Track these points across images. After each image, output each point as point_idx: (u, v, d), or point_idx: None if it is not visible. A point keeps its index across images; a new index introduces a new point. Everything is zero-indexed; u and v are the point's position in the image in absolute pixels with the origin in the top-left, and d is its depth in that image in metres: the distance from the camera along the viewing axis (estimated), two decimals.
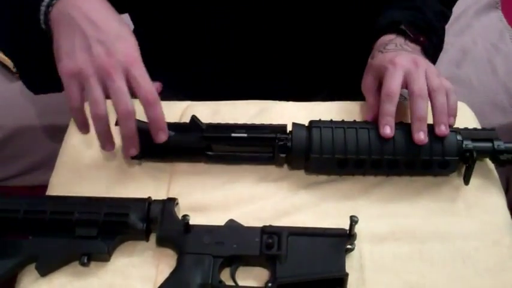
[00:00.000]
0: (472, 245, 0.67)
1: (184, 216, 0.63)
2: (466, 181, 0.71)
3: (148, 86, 0.64)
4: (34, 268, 0.64)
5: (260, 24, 0.86)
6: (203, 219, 0.67)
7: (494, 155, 0.71)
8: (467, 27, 1.40)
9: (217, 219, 0.67)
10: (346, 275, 0.61)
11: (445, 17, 0.90)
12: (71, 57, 0.62)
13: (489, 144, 0.71)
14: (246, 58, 0.90)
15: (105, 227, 0.65)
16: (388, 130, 0.69)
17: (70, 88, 0.63)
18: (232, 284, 0.62)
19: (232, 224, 0.66)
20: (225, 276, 0.63)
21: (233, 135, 0.70)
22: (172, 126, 0.71)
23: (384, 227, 0.68)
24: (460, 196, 0.71)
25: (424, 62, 0.73)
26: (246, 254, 0.63)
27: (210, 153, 0.71)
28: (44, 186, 0.74)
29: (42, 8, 0.67)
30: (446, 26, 0.91)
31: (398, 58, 0.73)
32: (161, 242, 0.65)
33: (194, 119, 0.70)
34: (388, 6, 0.86)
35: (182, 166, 0.74)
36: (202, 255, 0.63)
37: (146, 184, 0.72)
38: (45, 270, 0.64)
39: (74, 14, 0.64)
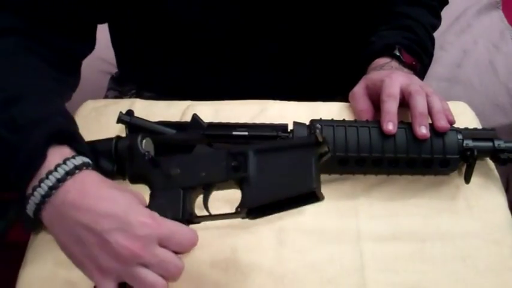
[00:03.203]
0: (472, 244, 0.67)
1: (147, 151, 0.62)
2: (467, 180, 0.71)
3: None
4: (35, 268, 0.64)
5: (262, 26, 0.87)
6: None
7: (495, 154, 0.71)
8: (468, 27, 1.40)
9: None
10: (317, 187, 0.56)
11: (435, 28, 0.93)
12: (101, 270, 0.55)
13: (489, 144, 0.72)
14: (247, 58, 0.90)
15: None
16: (391, 126, 0.69)
17: None
18: (206, 213, 0.60)
19: (199, 150, 0.63)
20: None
21: (234, 133, 0.70)
22: (173, 125, 0.71)
23: (385, 227, 0.68)
24: (461, 195, 0.72)
25: (418, 80, 0.77)
26: (214, 181, 0.60)
27: None
28: None
29: (31, 204, 0.57)
30: (447, 26, 0.92)
31: (394, 74, 0.76)
32: (132, 180, 0.64)
33: (195, 117, 0.70)
34: (381, 21, 0.89)
35: None
36: (171, 189, 0.60)
37: None
38: (33, 227, 0.62)
39: (75, 215, 0.55)
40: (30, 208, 0.57)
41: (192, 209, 0.60)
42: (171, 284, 0.57)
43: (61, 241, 0.57)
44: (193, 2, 0.82)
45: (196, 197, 0.61)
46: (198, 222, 0.60)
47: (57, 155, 0.58)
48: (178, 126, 0.72)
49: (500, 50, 1.34)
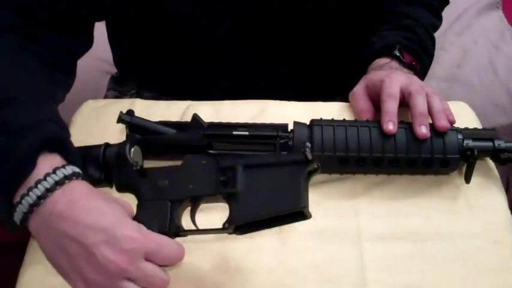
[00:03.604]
0: (473, 244, 0.67)
1: (136, 162, 0.61)
2: (467, 180, 0.71)
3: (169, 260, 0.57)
4: (34, 267, 0.64)
5: (261, 27, 0.87)
6: (205, 219, 0.66)
7: (495, 154, 0.71)
8: (468, 27, 1.40)
9: (219, 218, 0.66)
10: (305, 207, 0.56)
11: (436, 28, 0.93)
12: (86, 282, 0.54)
13: (490, 143, 0.72)
14: (247, 59, 0.90)
15: None
16: (391, 126, 0.69)
17: None
18: (193, 227, 0.60)
19: (189, 161, 0.62)
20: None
21: (234, 133, 0.70)
22: (173, 124, 0.71)
23: (385, 226, 0.68)
24: (461, 195, 0.72)
25: (418, 80, 0.77)
26: (202, 194, 0.60)
27: (211, 151, 0.71)
28: None
29: (19, 212, 0.56)
30: (447, 26, 0.92)
31: (394, 74, 0.76)
32: (120, 189, 0.63)
33: (196, 117, 0.70)
34: (381, 21, 0.89)
35: None
36: (158, 200, 0.60)
37: None
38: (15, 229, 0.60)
39: (63, 226, 0.55)
40: (17, 216, 0.56)
41: (179, 221, 0.60)
42: (170, 284, 0.57)
43: (47, 251, 0.57)
44: (192, 3, 0.82)
45: (184, 209, 0.61)
46: (185, 236, 0.60)
47: (47, 163, 0.57)
48: (178, 126, 0.71)
49: (500, 50, 1.34)
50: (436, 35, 0.92)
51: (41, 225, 0.56)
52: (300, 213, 0.56)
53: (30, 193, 0.55)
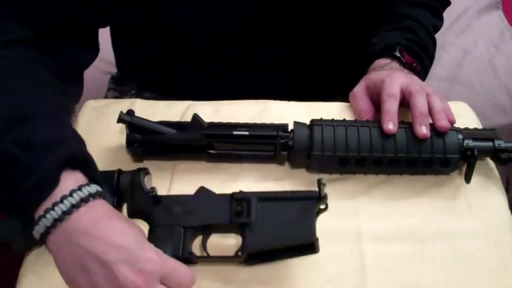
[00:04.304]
0: (473, 244, 0.67)
1: (152, 188, 0.63)
2: (468, 179, 0.71)
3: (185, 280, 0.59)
4: (35, 268, 0.64)
5: (262, 29, 0.87)
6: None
7: (495, 154, 0.72)
8: (468, 27, 1.40)
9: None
10: (316, 240, 0.60)
11: (437, 29, 0.93)
12: None
13: (490, 143, 0.72)
14: (247, 60, 0.90)
15: None
16: (391, 126, 0.69)
17: None
18: (204, 254, 0.62)
19: (202, 192, 0.64)
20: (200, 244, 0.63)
21: (235, 133, 0.70)
22: (173, 124, 0.71)
23: (385, 227, 0.68)
24: (461, 195, 0.72)
25: (418, 80, 0.78)
26: (216, 223, 0.62)
27: (211, 151, 0.72)
28: None
29: (41, 226, 0.57)
30: (447, 26, 0.92)
31: (394, 74, 0.76)
32: (132, 215, 0.64)
33: (196, 117, 0.70)
34: (381, 22, 0.89)
35: (183, 165, 0.74)
36: (172, 226, 0.62)
37: None
38: (22, 248, 0.63)
39: (86, 243, 0.55)
40: (38, 230, 0.57)
41: (191, 248, 0.62)
42: None
43: (64, 266, 0.57)
44: (192, 6, 0.82)
45: (196, 237, 0.63)
46: (195, 263, 0.62)
47: (72, 180, 0.58)
48: (178, 126, 0.72)
49: (500, 50, 1.34)
50: (436, 35, 0.92)
51: (62, 240, 0.57)
52: (310, 246, 0.60)
53: (56, 208, 0.56)
